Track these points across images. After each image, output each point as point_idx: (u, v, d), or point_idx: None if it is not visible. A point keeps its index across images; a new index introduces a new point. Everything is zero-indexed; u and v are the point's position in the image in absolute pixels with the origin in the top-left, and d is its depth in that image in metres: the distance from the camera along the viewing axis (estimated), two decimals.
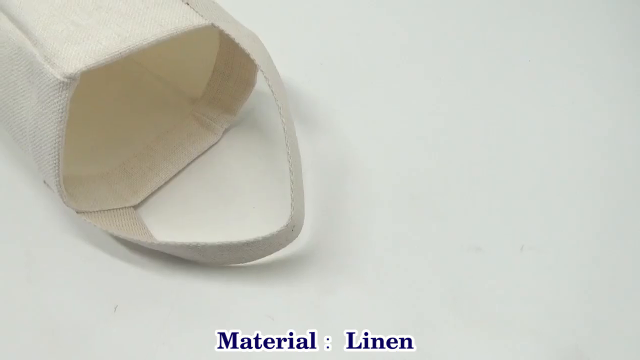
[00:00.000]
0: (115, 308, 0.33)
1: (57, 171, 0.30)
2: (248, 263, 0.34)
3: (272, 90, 0.33)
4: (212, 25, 0.33)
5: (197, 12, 0.33)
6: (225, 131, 0.41)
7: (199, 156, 0.40)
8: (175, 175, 0.39)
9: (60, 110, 0.28)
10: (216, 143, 0.41)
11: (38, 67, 0.29)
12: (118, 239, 0.35)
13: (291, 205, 0.31)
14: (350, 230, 0.36)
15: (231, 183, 0.39)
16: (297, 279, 0.34)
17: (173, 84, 0.43)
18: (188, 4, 0.33)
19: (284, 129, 0.33)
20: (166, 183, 0.39)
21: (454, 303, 0.32)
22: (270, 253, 0.33)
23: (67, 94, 0.28)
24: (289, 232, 0.31)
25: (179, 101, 0.43)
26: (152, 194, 0.38)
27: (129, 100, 0.42)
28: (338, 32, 0.48)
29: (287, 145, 0.32)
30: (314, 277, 0.34)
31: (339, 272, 0.34)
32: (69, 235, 0.36)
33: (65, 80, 0.28)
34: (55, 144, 0.29)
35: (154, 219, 0.37)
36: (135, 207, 0.37)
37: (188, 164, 0.40)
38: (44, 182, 0.34)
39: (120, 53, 0.29)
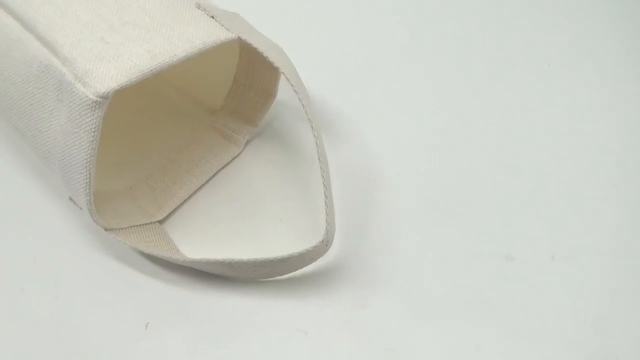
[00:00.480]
0: (146, 326, 0.33)
1: (88, 190, 0.30)
2: (278, 277, 0.34)
3: (302, 104, 0.33)
4: (239, 39, 0.33)
5: (222, 25, 0.33)
6: (247, 142, 0.41)
7: (222, 168, 0.40)
8: (198, 189, 0.39)
9: (93, 130, 0.28)
10: (238, 155, 0.41)
11: (68, 86, 0.28)
12: (145, 255, 0.35)
13: (326, 221, 0.31)
14: (377, 241, 0.36)
15: (256, 195, 0.39)
16: (328, 292, 0.34)
17: (191, 95, 0.43)
18: (213, 17, 0.33)
19: (316, 143, 0.33)
20: (190, 196, 0.38)
21: (491, 315, 0.32)
22: (301, 267, 0.33)
23: (99, 113, 0.28)
24: (323, 248, 0.31)
25: (198, 112, 0.42)
26: (176, 208, 0.38)
27: (147, 112, 0.42)
28: (349, 37, 0.48)
29: (319, 160, 0.32)
30: (344, 289, 0.34)
31: (369, 284, 0.34)
32: (96, 253, 0.35)
33: (98, 99, 0.27)
34: (86, 162, 0.29)
35: (179, 233, 0.37)
36: (161, 222, 0.37)
37: (211, 177, 0.39)
38: (70, 199, 0.34)
39: (152, 70, 0.29)
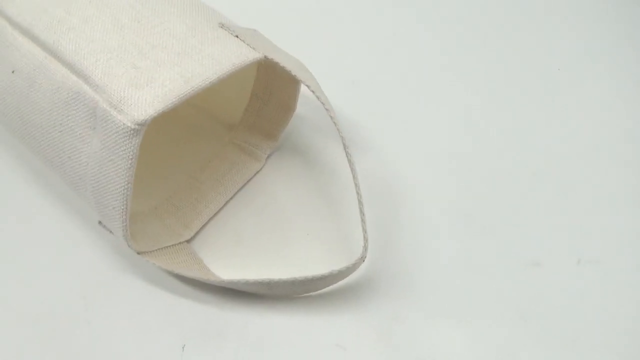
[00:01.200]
0: (183, 347, 0.33)
1: (124, 216, 0.30)
2: (312, 293, 0.34)
3: (334, 122, 0.33)
4: (266, 58, 0.33)
5: (248, 44, 0.33)
6: (268, 157, 0.41)
7: (245, 184, 0.40)
8: (223, 206, 0.39)
9: (130, 157, 0.28)
10: (260, 169, 0.41)
11: (103, 114, 0.28)
12: (176, 276, 0.35)
13: (364, 237, 0.31)
14: (405, 252, 0.36)
15: (280, 210, 0.39)
16: (361, 305, 0.34)
17: (208, 112, 0.43)
18: (237, 37, 0.33)
19: (349, 160, 0.33)
20: (215, 214, 0.38)
21: (524, 323, 0.33)
22: (336, 282, 0.33)
23: (137, 141, 0.28)
24: (360, 263, 0.31)
25: (217, 129, 0.42)
26: (202, 226, 0.38)
27: (166, 130, 0.42)
28: (363, 49, 0.48)
29: (353, 177, 0.33)
30: (377, 302, 0.34)
31: (401, 295, 0.34)
32: (128, 276, 0.35)
33: (136, 127, 0.27)
34: (123, 189, 0.29)
35: (207, 251, 0.37)
36: (189, 241, 0.37)
37: (235, 193, 0.39)
38: (99, 223, 0.34)
39: (187, 95, 0.29)
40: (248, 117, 0.42)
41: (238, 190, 0.40)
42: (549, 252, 0.36)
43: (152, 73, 0.29)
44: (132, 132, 0.27)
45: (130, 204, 0.29)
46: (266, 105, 0.41)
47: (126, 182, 0.29)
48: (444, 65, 0.47)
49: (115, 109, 0.28)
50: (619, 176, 0.40)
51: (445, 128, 0.43)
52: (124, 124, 0.27)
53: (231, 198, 0.39)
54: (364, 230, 0.31)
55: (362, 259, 0.31)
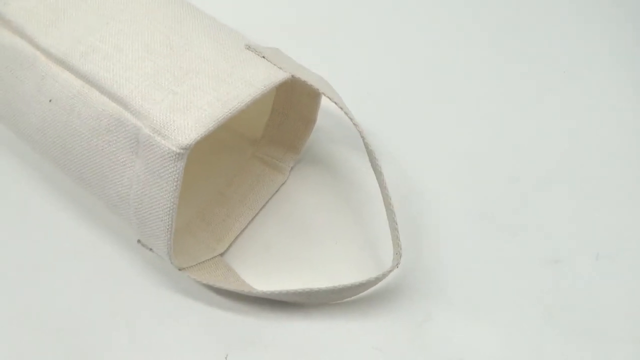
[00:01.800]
0: (226, 357, 0.34)
1: (169, 235, 0.31)
2: (346, 299, 0.36)
3: (362, 137, 0.35)
4: (293, 77, 0.34)
5: (274, 64, 0.34)
6: (291, 169, 0.43)
7: (271, 196, 0.41)
8: (252, 218, 0.40)
9: (175, 180, 0.29)
10: (284, 182, 0.42)
11: (146, 139, 0.30)
12: (212, 288, 0.36)
13: (397, 244, 0.33)
14: (432, 255, 0.38)
15: (307, 219, 0.40)
16: (393, 307, 0.36)
17: (230, 127, 0.44)
18: (264, 58, 0.35)
19: (377, 169, 0.35)
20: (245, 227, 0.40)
21: (548, 317, 0.34)
22: (371, 288, 0.35)
23: (182, 164, 0.29)
24: (394, 269, 0.33)
25: (240, 144, 0.44)
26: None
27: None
28: (380, 63, 0.50)
29: (382, 186, 0.34)
30: (408, 304, 0.36)
31: (430, 296, 0.36)
32: (166, 291, 0.37)
33: (181, 151, 0.29)
34: (169, 210, 0.30)
35: (239, 263, 0.38)
36: (222, 254, 0.38)
37: (263, 206, 0.41)
38: (138, 242, 0.35)
39: (225, 118, 0.30)
40: (270, 131, 0.43)
41: (265, 203, 0.41)
42: (567, 249, 0.38)
43: (189, 98, 0.30)
44: (177, 156, 0.29)
45: (174, 222, 0.31)
46: (287, 119, 0.42)
47: (172, 203, 0.30)
48: (454, 72, 0.49)
49: (159, 134, 0.29)
50: (629, 174, 0.42)
51: (460, 133, 0.45)
52: (169, 148, 0.29)
53: (259, 211, 0.41)
54: (397, 238, 0.33)
55: (397, 264, 0.32)
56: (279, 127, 0.43)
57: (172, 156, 0.29)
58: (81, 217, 0.39)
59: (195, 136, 0.29)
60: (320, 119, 0.42)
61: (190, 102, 0.30)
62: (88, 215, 0.40)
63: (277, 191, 0.42)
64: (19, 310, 0.36)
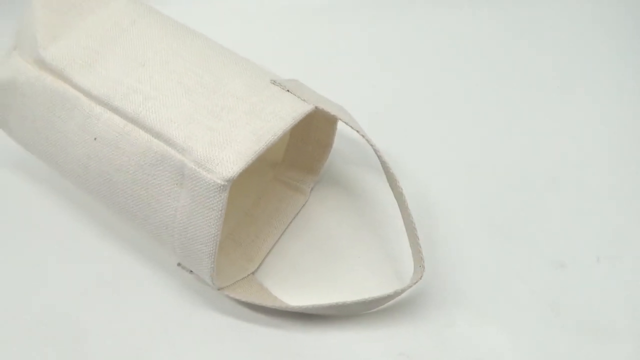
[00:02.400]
0: None
1: (212, 258, 0.34)
2: (373, 310, 0.39)
3: (379, 157, 0.38)
4: (316, 108, 0.37)
5: (299, 97, 0.37)
6: (311, 190, 0.46)
7: (295, 216, 0.44)
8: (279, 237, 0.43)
9: (220, 209, 0.32)
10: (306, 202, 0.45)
11: (191, 173, 0.32)
12: (248, 305, 0.39)
13: (422, 259, 0.36)
14: (448, 265, 0.41)
15: (329, 236, 0.43)
16: (416, 315, 0.39)
17: None
18: (289, 91, 0.38)
19: (399, 188, 0.38)
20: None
21: (557, 319, 0.38)
22: (396, 298, 0.38)
23: (225, 195, 0.32)
24: (418, 280, 0.36)
25: (261, 167, 0.47)
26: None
27: None
28: (385, 83, 0.53)
29: (400, 202, 0.37)
30: (430, 311, 0.39)
31: (451, 303, 0.39)
32: (202, 309, 0.39)
33: (225, 183, 0.32)
34: (213, 236, 0.33)
35: (268, 280, 0.41)
36: (253, 273, 0.41)
37: (288, 225, 0.44)
38: (178, 264, 0.38)
39: (261, 151, 0.33)
40: (290, 155, 0.46)
41: (290, 223, 0.44)
42: (571, 253, 0.41)
43: (227, 133, 0.33)
44: (221, 187, 0.32)
45: (218, 247, 0.34)
46: (306, 144, 0.46)
47: (216, 230, 0.33)
48: (456, 89, 0.53)
49: (203, 168, 0.32)
50: (623, 181, 0.45)
51: (466, 148, 0.48)
52: (214, 181, 0.32)
53: (285, 230, 0.44)
54: (420, 252, 0.36)
55: (421, 276, 0.36)
56: (299, 152, 0.46)
57: (217, 188, 0.32)
58: (121, 245, 0.42)
59: (238, 169, 0.32)
60: (335, 142, 0.46)
61: (229, 137, 0.33)
62: (125, 243, 0.42)
63: (299, 211, 0.45)
64: (67, 335, 0.38)
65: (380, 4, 0.60)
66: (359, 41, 0.57)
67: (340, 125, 0.44)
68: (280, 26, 0.58)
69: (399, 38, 0.57)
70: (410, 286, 0.36)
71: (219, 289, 0.38)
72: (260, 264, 0.42)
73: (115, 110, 0.35)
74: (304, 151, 0.46)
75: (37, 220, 0.44)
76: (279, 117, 0.35)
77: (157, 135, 0.34)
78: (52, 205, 0.45)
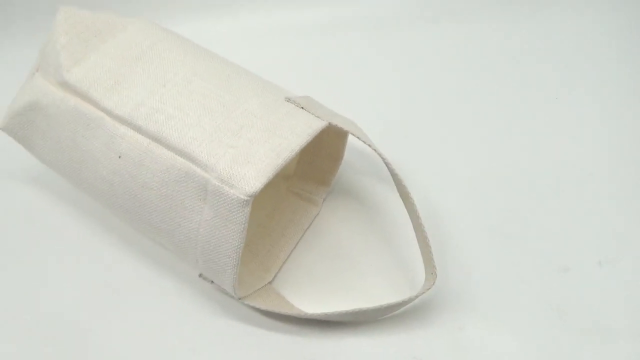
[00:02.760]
0: None
1: (235, 269, 0.36)
2: (387, 315, 0.40)
3: (389, 168, 0.40)
4: (330, 124, 0.39)
5: (313, 114, 0.39)
6: (323, 201, 0.48)
7: (308, 227, 0.46)
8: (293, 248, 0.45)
9: (243, 222, 0.34)
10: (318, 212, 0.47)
11: (214, 189, 0.34)
12: (265, 313, 0.41)
13: (434, 266, 0.38)
14: (458, 271, 0.43)
15: (342, 245, 0.45)
16: (427, 319, 0.40)
17: None
18: (303, 108, 0.40)
19: (409, 197, 0.39)
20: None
21: (562, 321, 0.40)
22: (408, 304, 0.40)
23: (248, 209, 0.34)
24: (431, 286, 0.38)
25: (274, 180, 0.48)
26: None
27: None
28: (393, 98, 0.55)
29: (411, 211, 0.39)
30: (441, 315, 0.41)
31: (461, 308, 0.41)
32: (223, 318, 0.41)
33: (248, 198, 0.33)
34: (236, 248, 0.35)
35: (286, 289, 0.43)
36: (270, 282, 0.43)
37: (302, 235, 0.46)
38: (199, 275, 0.40)
39: (280, 167, 0.35)
40: (302, 168, 0.48)
41: (303, 233, 0.46)
42: (574, 258, 0.43)
43: (248, 150, 0.35)
44: (244, 202, 0.33)
45: (240, 260, 0.35)
46: (317, 157, 0.47)
47: (239, 242, 0.35)
48: (460, 102, 0.55)
49: (227, 184, 0.34)
50: (621, 188, 0.47)
51: (470, 157, 0.50)
52: (237, 196, 0.33)
53: (299, 240, 0.45)
54: (431, 259, 0.38)
55: (434, 283, 0.37)
56: (311, 164, 0.48)
57: (241, 203, 0.34)
58: (139, 257, 0.44)
59: (260, 185, 0.34)
60: (345, 154, 0.48)
61: (250, 154, 0.35)
62: (144, 255, 0.44)
63: (312, 222, 0.47)
64: (92, 346, 0.40)
65: (386, 21, 0.63)
66: (366, 57, 0.60)
67: (349, 137, 0.46)
68: (289, 44, 0.61)
69: (405, 53, 0.60)
70: (423, 292, 0.37)
71: (239, 299, 0.39)
72: (277, 274, 0.44)
73: (138, 129, 0.37)
74: (316, 164, 0.48)
75: (63, 238, 0.46)
76: (296, 133, 0.37)
77: (181, 153, 0.36)
78: (75, 220, 0.47)
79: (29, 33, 0.60)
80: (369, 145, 0.40)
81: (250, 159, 0.35)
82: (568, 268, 0.43)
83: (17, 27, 0.60)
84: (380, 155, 0.40)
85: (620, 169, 0.49)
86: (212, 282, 0.39)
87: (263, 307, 0.39)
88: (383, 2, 0.63)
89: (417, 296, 0.37)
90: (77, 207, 0.47)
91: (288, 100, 0.40)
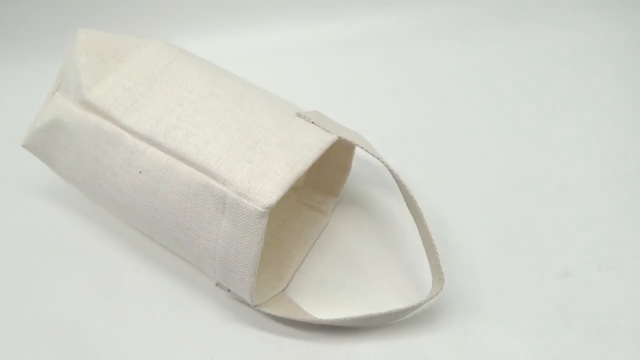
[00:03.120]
0: None
1: (253, 278, 0.38)
2: (396, 320, 0.42)
3: (399, 183, 0.42)
4: (339, 138, 0.41)
5: (323, 128, 0.41)
6: (332, 210, 0.49)
7: (318, 236, 0.48)
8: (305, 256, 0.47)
9: (260, 233, 0.36)
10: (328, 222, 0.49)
11: (233, 202, 0.36)
12: (280, 320, 0.43)
13: (441, 272, 0.40)
14: (463, 277, 0.45)
15: (351, 253, 0.47)
16: (437, 325, 0.42)
17: None
18: (314, 123, 0.42)
19: (413, 204, 0.41)
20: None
21: (566, 323, 0.41)
22: (417, 310, 0.41)
23: (265, 221, 0.36)
24: (439, 291, 0.39)
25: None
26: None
27: None
28: (395, 109, 0.57)
29: (417, 219, 0.41)
30: (447, 319, 0.42)
31: (468, 312, 0.43)
32: (238, 325, 0.43)
33: (265, 210, 0.35)
34: (254, 258, 0.37)
35: (298, 297, 0.44)
36: (283, 290, 0.45)
37: (312, 244, 0.47)
38: (217, 284, 0.42)
39: (294, 180, 0.37)
40: (311, 179, 0.50)
41: (314, 242, 0.48)
42: (575, 263, 0.45)
43: (264, 165, 0.37)
44: (262, 214, 0.35)
45: (257, 268, 0.37)
46: (326, 169, 0.49)
47: (256, 252, 0.36)
48: (461, 115, 0.57)
49: (245, 197, 0.36)
50: (619, 195, 0.49)
51: (471, 166, 0.52)
52: (255, 209, 0.35)
53: (310, 249, 0.47)
54: (439, 266, 0.40)
55: (441, 288, 0.39)
56: (319, 175, 0.50)
57: (258, 215, 0.35)
58: (162, 270, 0.46)
59: (276, 198, 0.35)
60: (353, 165, 0.49)
61: (265, 168, 0.37)
62: (163, 267, 0.46)
63: (322, 231, 0.49)
64: (110, 354, 0.41)
65: (390, 39, 0.65)
66: (370, 72, 0.62)
67: (357, 149, 0.48)
68: (296, 62, 0.63)
69: (408, 68, 0.62)
70: (432, 297, 0.39)
71: (255, 306, 0.41)
72: (289, 282, 0.45)
73: (158, 146, 0.39)
74: (324, 175, 0.49)
75: (84, 251, 0.48)
76: (308, 147, 0.39)
77: (200, 168, 0.38)
78: (97, 233, 0.48)
79: (42, 55, 0.62)
80: (378, 159, 0.42)
81: (266, 172, 0.37)
82: (569, 272, 0.44)
83: (30, 50, 0.62)
84: (387, 166, 0.42)
85: (619, 174, 0.51)
86: (229, 290, 0.41)
87: (277, 313, 0.41)
88: (387, 20, 0.66)
89: (426, 301, 0.39)
90: (96, 222, 0.49)
91: (299, 115, 0.42)
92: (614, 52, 0.62)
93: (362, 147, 0.42)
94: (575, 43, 0.63)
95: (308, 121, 0.41)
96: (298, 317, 0.41)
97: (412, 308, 0.39)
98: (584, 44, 0.63)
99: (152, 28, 0.63)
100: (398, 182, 0.42)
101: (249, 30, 0.65)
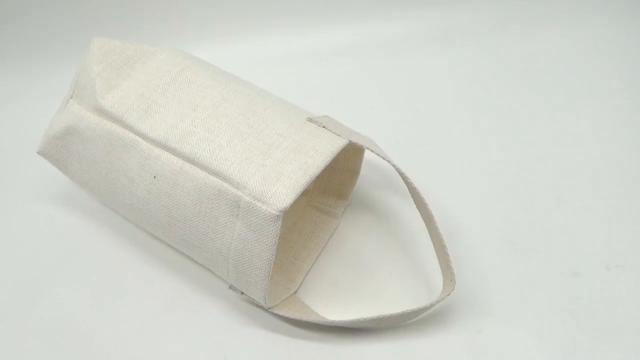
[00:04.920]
0: None
1: (267, 281, 0.38)
2: (409, 321, 0.43)
3: (409, 187, 0.42)
4: (350, 142, 0.42)
5: (334, 132, 0.42)
6: (342, 213, 0.50)
7: (329, 239, 0.49)
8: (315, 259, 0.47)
9: (275, 236, 0.36)
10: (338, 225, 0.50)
11: (247, 205, 0.37)
12: (292, 322, 0.43)
13: (453, 273, 0.40)
14: (473, 278, 0.45)
15: (361, 256, 0.47)
16: (449, 325, 0.43)
17: None
18: (325, 127, 0.42)
19: (430, 213, 0.42)
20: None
21: (575, 322, 0.42)
22: (429, 310, 0.42)
23: (279, 223, 0.36)
24: (450, 292, 0.40)
25: None
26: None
27: None
28: (403, 117, 0.58)
29: (428, 222, 0.42)
30: (459, 319, 0.43)
31: (479, 312, 0.43)
32: (252, 328, 0.43)
33: (279, 213, 0.36)
34: (268, 261, 0.37)
35: (310, 299, 0.45)
36: (295, 292, 0.45)
37: (323, 247, 0.48)
38: (230, 287, 0.42)
39: (307, 184, 0.37)
40: (321, 183, 0.51)
41: (325, 245, 0.48)
42: (583, 263, 0.45)
43: (277, 169, 0.38)
44: (276, 217, 0.36)
45: (272, 271, 0.38)
46: (335, 172, 0.50)
47: (270, 255, 0.37)
48: (470, 118, 0.58)
49: (259, 200, 0.36)
50: (625, 196, 0.50)
51: (482, 170, 0.53)
52: (269, 212, 0.36)
53: (320, 252, 0.48)
54: (450, 267, 0.40)
55: (453, 289, 0.40)
56: (329, 179, 0.50)
57: (273, 218, 0.36)
58: (173, 275, 0.46)
59: (290, 201, 0.36)
60: (362, 168, 0.50)
61: (279, 172, 0.38)
62: (176, 272, 0.47)
63: (332, 234, 0.49)
64: (125, 356, 0.42)
65: (397, 45, 0.66)
66: (380, 78, 0.63)
67: (365, 152, 0.49)
68: (305, 68, 0.64)
69: (418, 73, 0.63)
70: (443, 298, 0.40)
71: (268, 308, 0.41)
72: (301, 284, 0.46)
73: (172, 151, 0.40)
74: (334, 179, 0.50)
75: (102, 257, 0.48)
76: (319, 152, 0.40)
77: (214, 172, 0.38)
78: (110, 239, 0.49)
79: (55, 64, 0.63)
80: (388, 161, 0.43)
81: (279, 176, 0.37)
82: (578, 273, 0.45)
83: (44, 58, 0.64)
84: (397, 169, 0.43)
85: (627, 175, 0.51)
86: (242, 293, 0.42)
87: (290, 315, 0.41)
88: (396, 27, 0.67)
89: (437, 302, 0.40)
90: (110, 226, 0.50)
91: (310, 120, 0.43)
92: (615, 53, 0.63)
93: (373, 151, 0.42)
94: (576, 44, 0.64)
95: (319, 125, 0.42)
96: (310, 318, 0.42)
97: (424, 309, 0.40)
98: (586, 45, 0.64)
99: (163, 36, 0.64)
100: (409, 184, 0.43)
101: (259, 39, 0.66)
